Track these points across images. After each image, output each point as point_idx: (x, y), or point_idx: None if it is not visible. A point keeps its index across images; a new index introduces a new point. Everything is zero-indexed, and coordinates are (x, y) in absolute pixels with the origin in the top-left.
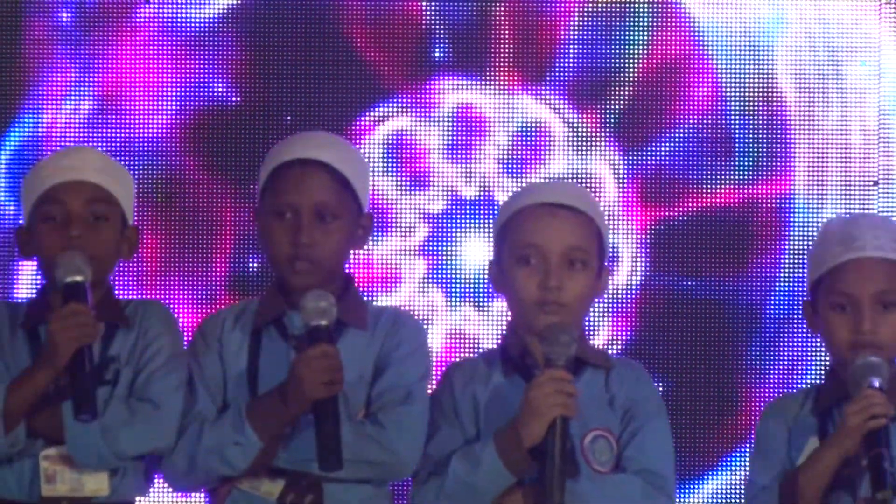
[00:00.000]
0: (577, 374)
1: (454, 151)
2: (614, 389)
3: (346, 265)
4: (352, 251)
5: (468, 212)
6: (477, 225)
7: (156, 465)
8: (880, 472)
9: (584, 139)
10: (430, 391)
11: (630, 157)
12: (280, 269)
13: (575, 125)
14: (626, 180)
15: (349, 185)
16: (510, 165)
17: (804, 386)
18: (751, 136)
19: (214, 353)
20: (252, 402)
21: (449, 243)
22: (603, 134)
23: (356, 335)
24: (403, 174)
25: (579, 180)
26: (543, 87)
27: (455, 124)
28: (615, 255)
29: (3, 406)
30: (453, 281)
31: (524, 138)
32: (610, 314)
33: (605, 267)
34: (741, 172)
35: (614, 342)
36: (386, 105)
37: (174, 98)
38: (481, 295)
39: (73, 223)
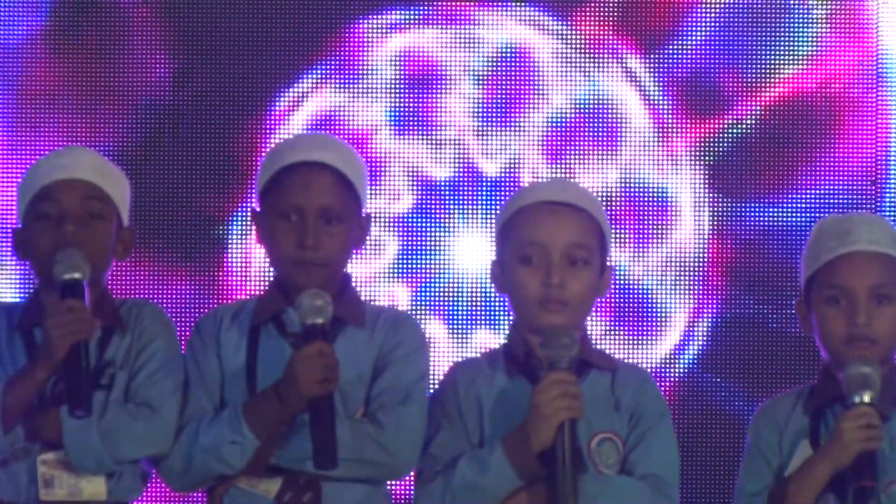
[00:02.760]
0: (582, 377)
1: (408, 121)
2: (620, 392)
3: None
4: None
5: (447, 199)
6: (464, 213)
7: (150, 466)
8: None
9: (586, 52)
10: (429, 391)
11: (654, 60)
12: (284, 271)
13: (566, 37)
14: (659, 90)
15: (352, 187)
16: (490, 118)
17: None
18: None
19: (212, 351)
20: (248, 400)
21: (433, 251)
22: (609, 38)
23: (354, 334)
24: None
25: (594, 106)
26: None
27: (401, 82)
28: (666, 199)
29: (1, 404)
30: (453, 300)
31: (501, 75)
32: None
33: (608, 266)
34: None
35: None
36: (305, 77)
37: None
38: (460, 313)
39: (69, 220)
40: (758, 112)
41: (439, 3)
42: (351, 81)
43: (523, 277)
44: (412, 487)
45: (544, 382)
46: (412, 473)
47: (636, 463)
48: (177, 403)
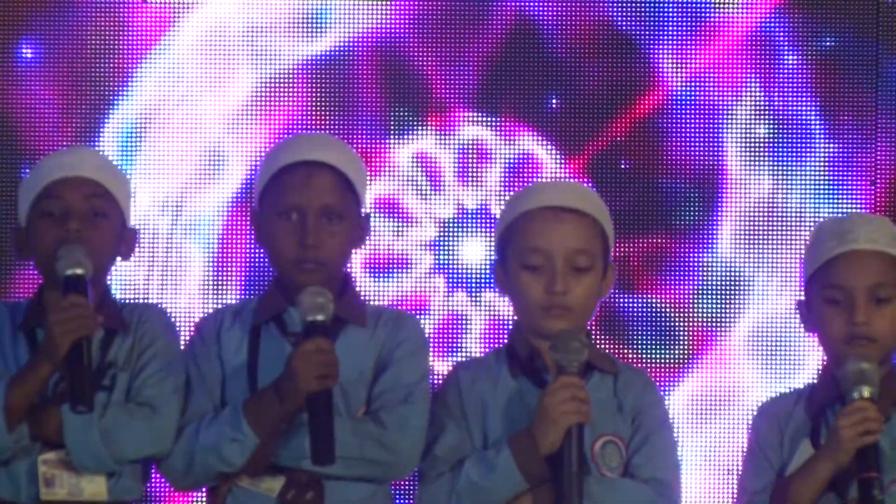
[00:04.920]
0: (586, 379)
1: (423, 189)
2: (622, 395)
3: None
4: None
5: (451, 226)
6: (475, 230)
7: (150, 467)
8: (870, 499)
9: (508, 135)
10: (430, 390)
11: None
12: (285, 270)
13: (498, 128)
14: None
15: (352, 186)
16: (468, 178)
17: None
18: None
19: (212, 351)
20: (249, 398)
21: (452, 242)
22: (520, 125)
23: (356, 333)
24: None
25: (522, 159)
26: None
27: (416, 169)
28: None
29: (4, 402)
30: (452, 272)
31: (470, 155)
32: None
33: (611, 265)
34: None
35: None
36: (416, 131)
37: (207, 113)
38: (474, 285)
39: (72, 217)
40: (635, 121)
41: (432, 124)
42: (389, 174)
43: (526, 283)
44: (414, 486)
45: (554, 386)
46: (413, 473)
47: (639, 467)
48: (178, 404)
